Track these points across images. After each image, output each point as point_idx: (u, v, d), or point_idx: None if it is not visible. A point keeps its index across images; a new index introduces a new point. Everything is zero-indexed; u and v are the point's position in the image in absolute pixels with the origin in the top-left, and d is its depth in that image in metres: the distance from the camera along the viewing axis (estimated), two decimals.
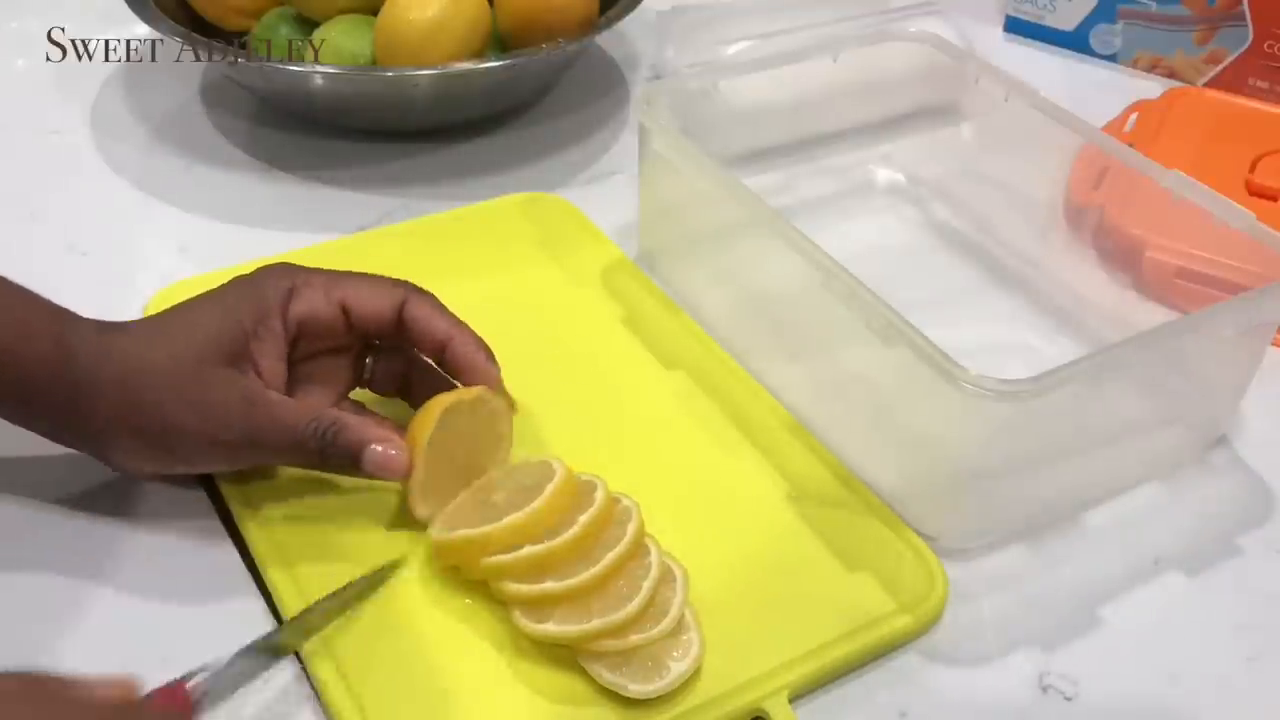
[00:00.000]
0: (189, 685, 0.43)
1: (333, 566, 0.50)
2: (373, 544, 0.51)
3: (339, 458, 0.50)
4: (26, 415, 0.51)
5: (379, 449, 0.49)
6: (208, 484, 0.54)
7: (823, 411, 0.58)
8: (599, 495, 0.49)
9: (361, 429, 0.50)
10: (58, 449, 0.51)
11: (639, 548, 0.48)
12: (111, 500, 0.53)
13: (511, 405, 0.54)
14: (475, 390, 0.52)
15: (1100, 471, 0.57)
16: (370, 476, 0.50)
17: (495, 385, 0.53)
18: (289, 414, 0.50)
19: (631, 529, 0.48)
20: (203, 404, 0.49)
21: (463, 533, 0.48)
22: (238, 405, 0.49)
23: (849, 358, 0.56)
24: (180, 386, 0.49)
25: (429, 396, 0.53)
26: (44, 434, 0.51)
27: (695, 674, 0.46)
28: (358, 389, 0.56)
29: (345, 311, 0.53)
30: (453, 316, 0.54)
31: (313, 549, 0.51)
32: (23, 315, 0.50)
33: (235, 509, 0.52)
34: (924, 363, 0.49)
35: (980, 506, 0.54)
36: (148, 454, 0.50)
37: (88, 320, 0.51)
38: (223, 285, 0.52)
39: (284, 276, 0.52)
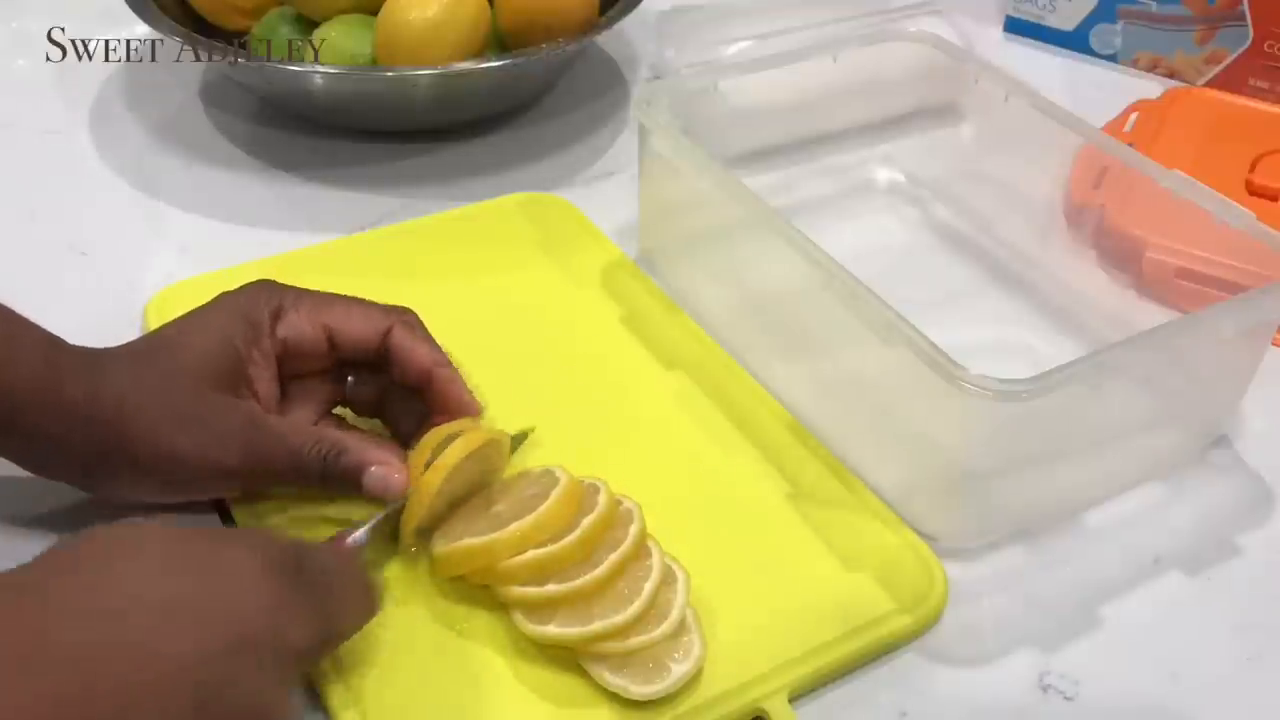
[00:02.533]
0: (349, 539, 0.48)
1: None
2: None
3: (340, 480, 0.49)
4: (11, 445, 0.49)
5: (379, 471, 0.49)
6: (219, 505, 0.53)
7: (823, 411, 0.58)
8: (601, 498, 0.49)
9: (362, 451, 0.49)
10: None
11: (641, 550, 0.48)
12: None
13: (508, 442, 0.53)
14: (485, 434, 0.51)
15: (1100, 471, 0.57)
16: (371, 497, 0.50)
17: (476, 419, 0.53)
18: (291, 437, 0.49)
19: (633, 531, 0.48)
20: (202, 429, 0.48)
21: (467, 542, 0.48)
22: (239, 430, 0.48)
23: (849, 357, 0.56)
24: (178, 413, 0.48)
25: (406, 418, 0.53)
26: (30, 466, 0.49)
27: (696, 675, 0.46)
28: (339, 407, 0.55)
29: (330, 336, 0.52)
30: (437, 347, 0.53)
31: None
32: (7, 332, 0.48)
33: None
34: (924, 363, 0.49)
35: (980, 506, 0.54)
36: (143, 483, 0.49)
37: (77, 346, 0.49)
38: (211, 304, 0.51)
39: (272, 295, 0.52)
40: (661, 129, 0.62)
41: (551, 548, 0.47)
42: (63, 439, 0.48)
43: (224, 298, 0.52)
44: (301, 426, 0.51)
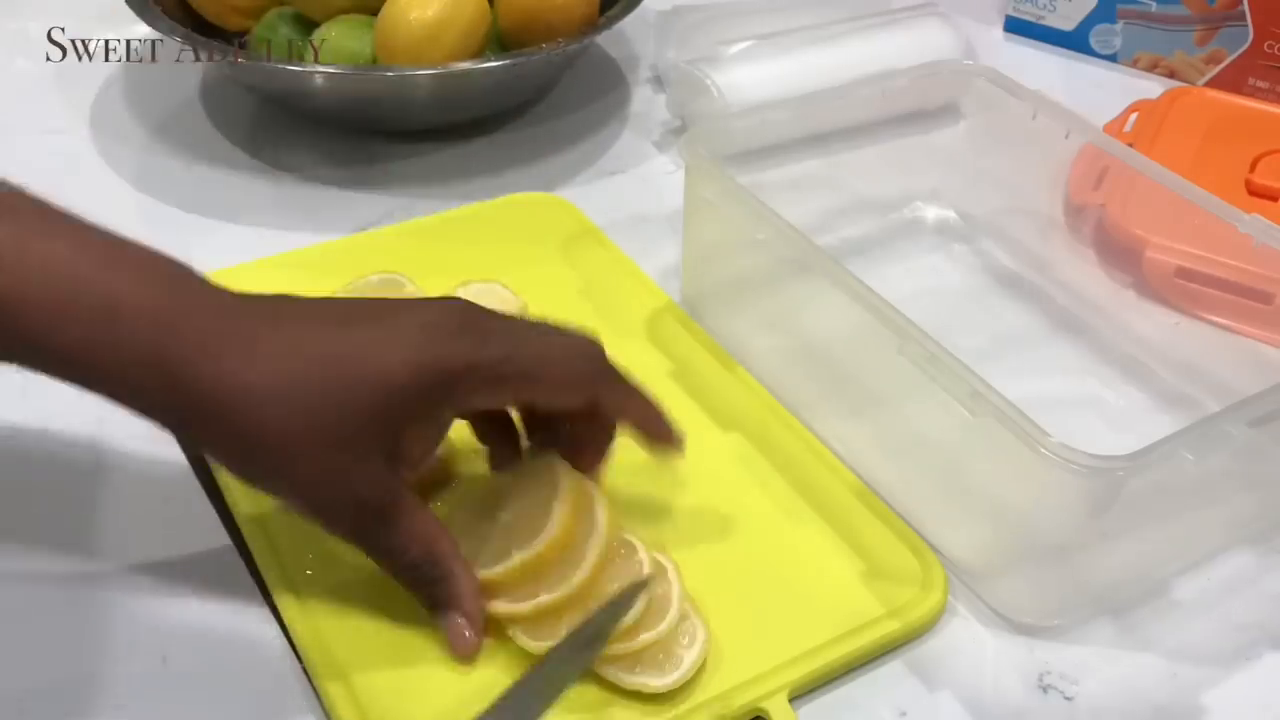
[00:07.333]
0: None
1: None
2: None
3: (424, 593, 0.46)
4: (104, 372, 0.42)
5: (460, 625, 0.46)
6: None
7: (889, 473, 0.55)
8: (563, 484, 0.47)
9: (464, 594, 0.45)
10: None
11: (616, 534, 0.48)
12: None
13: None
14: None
15: (1192, 538, 0.54)
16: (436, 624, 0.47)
17: (675, 451, 0.49)
18: (406, 531, 0.45)
19: (601, 514, 0.47)
20: (326, 490, 0.43)
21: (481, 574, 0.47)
22: (369, 504, 0.44)
23: (921, 419, 0.52)
24: (310, 466, 0.42)
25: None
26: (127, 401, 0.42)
27: (702, 666, 0.46)
28: None
29: (524, 407, 0.49)
30: (640, 393, 0.48)
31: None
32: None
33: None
34: (1012, 433, 0.45)
35: (1066, 581, 0.51)
36: (236, 472, 0.44)
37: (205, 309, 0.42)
38: (391, 328, 0.43)
39: (472, 347, 0.44)
40: (709, 173, 0.58)
41: (527, 554, 0.46)
42: (168, 409, 0.42)
43: (412, 318, 0.44)
44: (421, 521, 0.45)
